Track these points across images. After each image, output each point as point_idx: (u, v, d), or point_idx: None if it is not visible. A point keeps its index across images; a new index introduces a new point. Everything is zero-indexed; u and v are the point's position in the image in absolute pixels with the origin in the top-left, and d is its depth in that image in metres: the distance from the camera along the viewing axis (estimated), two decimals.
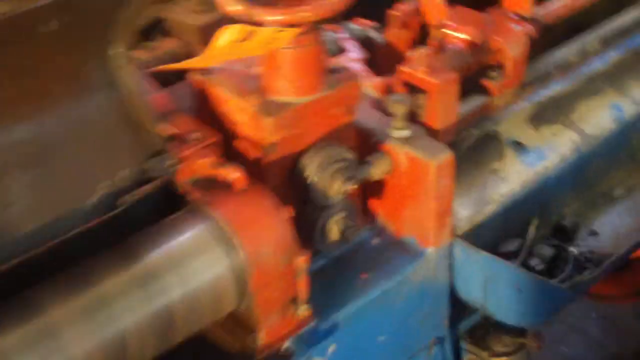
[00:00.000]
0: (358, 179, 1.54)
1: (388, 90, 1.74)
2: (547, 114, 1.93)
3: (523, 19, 1.83)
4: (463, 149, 1.80)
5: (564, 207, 1.92)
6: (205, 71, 1.54)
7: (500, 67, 1.80)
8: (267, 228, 1.37)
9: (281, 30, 1.36)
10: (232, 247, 1.32)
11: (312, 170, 1.50)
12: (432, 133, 1.67)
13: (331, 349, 1.53)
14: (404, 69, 1.68)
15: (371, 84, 1.76)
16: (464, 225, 1.73)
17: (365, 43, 1.93)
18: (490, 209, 1.77)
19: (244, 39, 1.33)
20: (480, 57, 1.78)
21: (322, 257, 1.63)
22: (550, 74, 1.96)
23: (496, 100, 1.81)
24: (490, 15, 1.84)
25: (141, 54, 2.73)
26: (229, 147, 1.51)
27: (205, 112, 1.55)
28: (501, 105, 1.83)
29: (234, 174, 1.38)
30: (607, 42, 2.04)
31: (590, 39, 2.02)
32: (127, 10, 1.25)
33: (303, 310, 1.42)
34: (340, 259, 1.65)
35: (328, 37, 1.84)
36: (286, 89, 1.47)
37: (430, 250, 1.66)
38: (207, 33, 2.68)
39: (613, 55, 2.05)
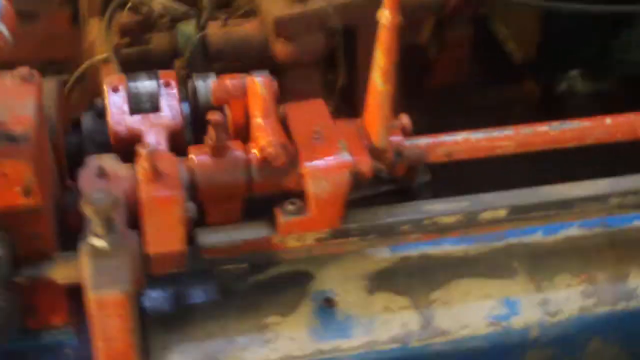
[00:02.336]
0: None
1: None
2: (396, 278, 1.41)
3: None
4: (239, 286, 1.39)
5: None
6: None
7: (301, 199, 1.32)
8: None
9: None
10: None
11: None
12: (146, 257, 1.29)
13: None
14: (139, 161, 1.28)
15: None
16: None
17: None
18: None
19: None
20: (275, 180, 1.31)
21: None
22: (430, 227, 1.40)
23: (285, 239, 1.33)
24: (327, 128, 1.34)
25: (213, 28, 2.41)
26: None
27: None
28: (296, 247, 1.34)
29: None
30: (521, 212, 1.39)
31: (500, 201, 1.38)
32: None
33: None
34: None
35: (143, 88, 1.47)
36: None
37: None
38: (281, 27, 2.37)
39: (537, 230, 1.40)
